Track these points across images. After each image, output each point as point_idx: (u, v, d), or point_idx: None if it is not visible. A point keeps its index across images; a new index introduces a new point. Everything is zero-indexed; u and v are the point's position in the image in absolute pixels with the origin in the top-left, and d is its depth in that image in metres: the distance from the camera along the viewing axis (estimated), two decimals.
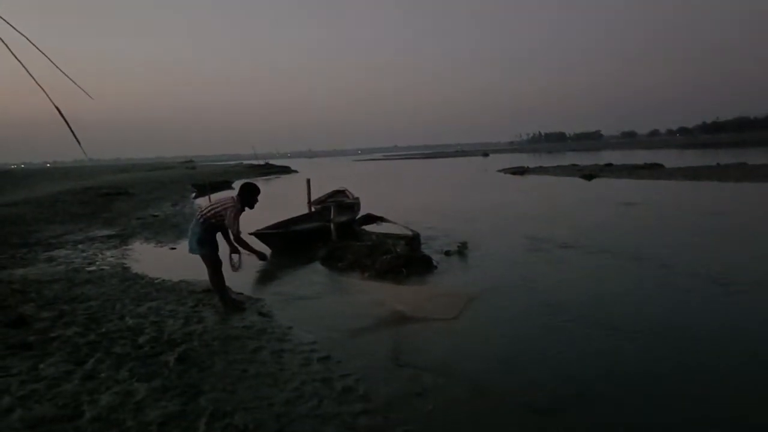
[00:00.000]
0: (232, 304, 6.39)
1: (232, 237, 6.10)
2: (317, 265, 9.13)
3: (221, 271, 6.30)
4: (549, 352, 4.93)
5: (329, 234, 10.95)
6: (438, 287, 7.31)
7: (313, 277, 8.36)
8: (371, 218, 12.84)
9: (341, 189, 18.90)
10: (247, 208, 6.23)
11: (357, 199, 15.69)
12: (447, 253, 9.30)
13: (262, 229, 10.54)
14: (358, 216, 13.19)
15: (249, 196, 6.20)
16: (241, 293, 7.13)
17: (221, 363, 4.66)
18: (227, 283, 6.50)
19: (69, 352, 4.79)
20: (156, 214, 17.94)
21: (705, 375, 4.37)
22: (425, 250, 9.37)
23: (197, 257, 6.23)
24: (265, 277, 8.32)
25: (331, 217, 11.12)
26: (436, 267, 8.35)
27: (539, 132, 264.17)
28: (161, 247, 11.59)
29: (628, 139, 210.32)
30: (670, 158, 40.44)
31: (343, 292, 7.49)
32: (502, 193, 22.87)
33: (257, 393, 4.04)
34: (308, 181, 15.23)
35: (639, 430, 3.59)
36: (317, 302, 6.80)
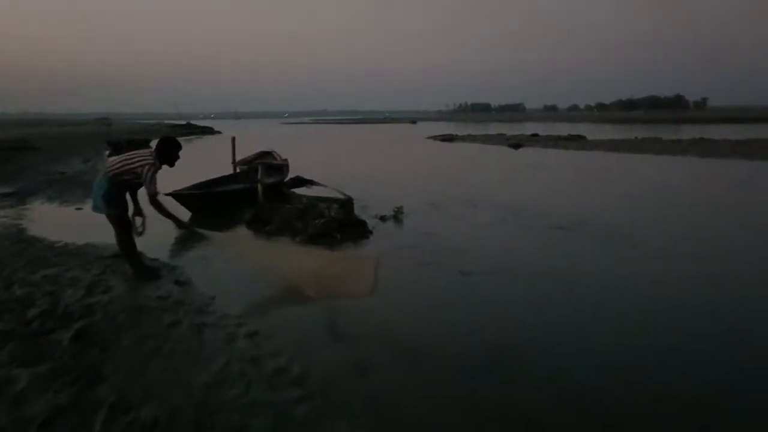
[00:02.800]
0: (144, 271, 5.63)
1: (148, 198, 5.27)
2: (242, 229, 8.41)
3: (131, 235, 5.52)
4: (471, 310, 4.91)
5: (256, 196, 10.19)
6: (361, 253, 6.96)
7: (237, 239, 7.65)
8: (301, 181, 12.16)
9: (268, 150, 17.88)
10: (166, 167, 5.45)
11: (285, 160, 14.84)
12: (382, 218, 8.83)
13: (180, 190, 9.62)
14: (287, 178, 12.46)
15: (169, 152, 5.40)
16: (156, 259, 6.36)
17: (129, 340, 3.98)
18: (140, 248, 5.72)
19: None
20: (63, 171, 16.34)
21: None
22: (360, 215, 8.85)
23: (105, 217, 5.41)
24: (183, 242, 7.43)
25: (259, 177, 10.33)
26: (371, 232, 7.87)
27: (466, 102, 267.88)
28: (66, 207, 10.44)
29: (550, 113, 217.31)
30: (590, 131, 41.78)
31: (271, 258, 6.78)
32: (433, 158, 22.66)
33: (172, 377, 3.41)
34: (233, 139, 14.24)
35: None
36: (242, 270, 5.98)
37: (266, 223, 8.23)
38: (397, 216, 8.92)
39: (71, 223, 8.90)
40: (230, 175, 12.61)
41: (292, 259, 6.01)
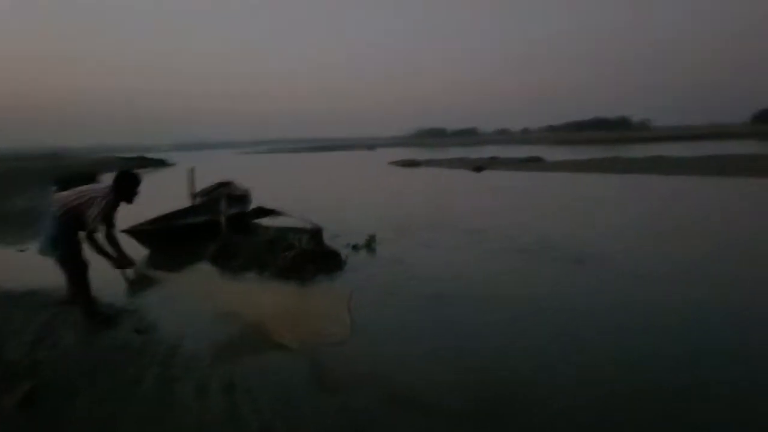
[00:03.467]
0: (98, 318, 5.05)
1: (86, 234, 4.75)
2: (206, 265, 7.85)
3: (85, 278, 4.94)
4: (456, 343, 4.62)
5: (218, 229, 9.63)
6: (334, 288, 6.44)
7: (202, 279, 7.09)
8: (264, 211, 11.60)
9: (227, 181, 17.31)
10: (124, 203, 4.97)
11: (247, 190, 14.31)
12: (354, 248, 8.41)
13: (136, 225, 8.99)
14: (249, 209, 11.94)
15: (127, 187, 4.94)
16: (111, 304, 5.75)
17: (85, 403, 3.44)
18: (94, 293, 5.14)
19: None
20: (3, 209, 15.35)
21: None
22: (331, 244, 8.38)
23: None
24: (141, 283, 6.77)
25: (221, 209, 9.79)
26: (345, 263, 7.43)
27: (421, 127, 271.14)
28: (7, 249, 9.65)
29: (503, 136, 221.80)
30: (545, 152, 42.46)
31: (239, 298, 6.21)
32: (398, 184, 22.42)
33: None
34: (191, 170, 13.66)
35: None
36: (208, 312, 5.36)
37: (232, 258, 7.71)
38: (370, 245, 8.52)
39: (13, 266, 8.19)
40: (189, 208, 11.99)
41: (262, 299, 5.46)
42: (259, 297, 5.55)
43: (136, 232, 8.74)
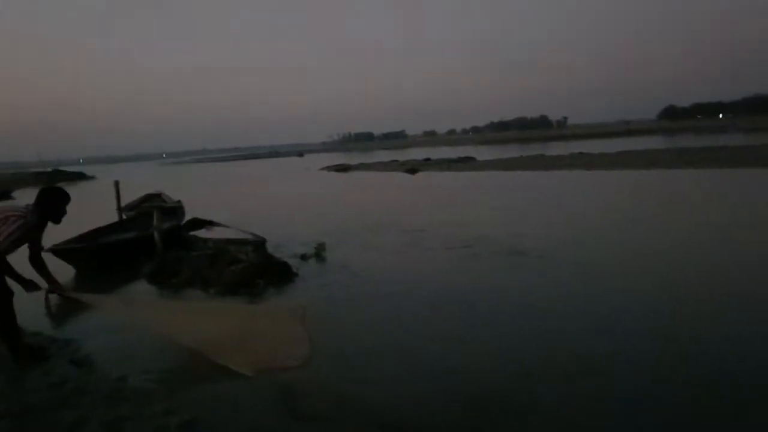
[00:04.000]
0: (27, 351, 4.45)
1: None
2: (143, 284, 7.26)
3: (9, 307, 4.33)
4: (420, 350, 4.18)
5: (152, 244, 9.01)
6: (286, 303, 6.01)
7: (138, 299, 6.53)
8: (199, 223, 11.00)
9: (156, 192, 16.43)
10: (50, 223, 4.42)
11: (179, 202, 13.58)
12: (303, 257, 8.04)
13: (60, 244, 8.21)
14: (183, 221, 11.29)
15: (53, 205, 4.37)
16: (40, 333, 5.16)
17: None
18: (19, 322, 4.53)
19: None
20: None
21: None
22: (276, 255, 7.99)
23: None
24: (71, 308, 5.92)
25: (155, 223, 9.15)
26: (296, 274, 7.06)
27: (349, 132, 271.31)
28: None
29: (430, 137, 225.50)
30: (475, 152, 43.42)
31: (184, 320, 5.65)
32: (332, 189, 22.10)
33: None
34: (116, 183, 12.74)
35: None
36: (152, 339, 4.77)
37: (172, 275, 7.16)
38: (319, 253, 8.18)
39: None
40: (117, 223, 11.20)
41: (209, 320, 5.00)
42: (205, 318, 5.10)
43: (62, 251, 7.98)
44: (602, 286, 5.98)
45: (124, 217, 12.27)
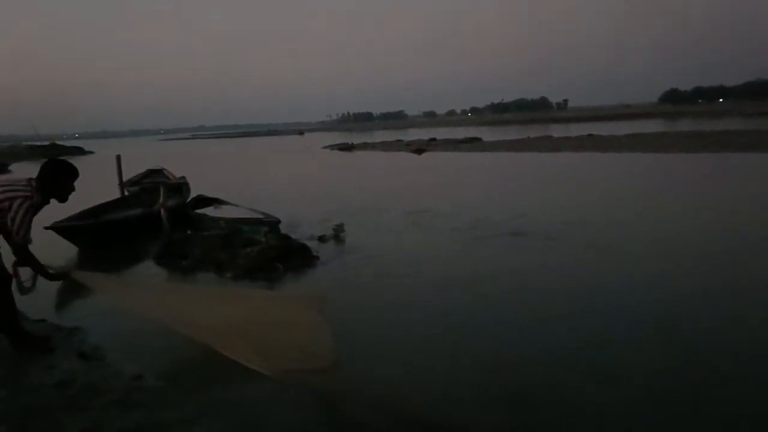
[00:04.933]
0: (29, 342, 3.98)
1: (12, 247, 3.67)
2: (151, 266, 6.79)
3: (8, 294, 3.85)
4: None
5: (157, 223, 8.51)
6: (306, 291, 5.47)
7: (147, 283, 6.06)
8: (205, 200, 10.45)
9: (158, 168, 15.82)
10: (54, 201, 3.90)
11: (183, 178, 13.01)
12: (321, 239, 7.55)
13: (62, 221, 7.69)
14: (188, 199, 10.77)
15: (57, 181, 3.83)
16: (43, 320, 4.69)
17: None
18: (19, 308, 4.05)
19: None
20: None
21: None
22: (292, 236, 7.50)
23: None
24: (76, 291, 5.38)
25: (161, 200, 8.64)
26: (317, 257, 6.58)
27: (348, 112, 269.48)
28: None
29: (430, 118, 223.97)
30: (480, 133, 42.72)
31: (196, 307, 5.01)
32: (341, 168, 21.58)
33: None
34: (118, 157, 12.23)
35: None
36: (165, 329, 4.08)
37: (181, 257, 6.67)
38: (338, 235, 7.69)
39: None
40: (119, 200, 10.70)
41: (225, 309, 4.45)
42: (219, 307, 4.51)
43: (63, 229, 7.47)
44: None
45: (126, 193, 11.78)
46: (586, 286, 5.30)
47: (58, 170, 3.86)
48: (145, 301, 4.49)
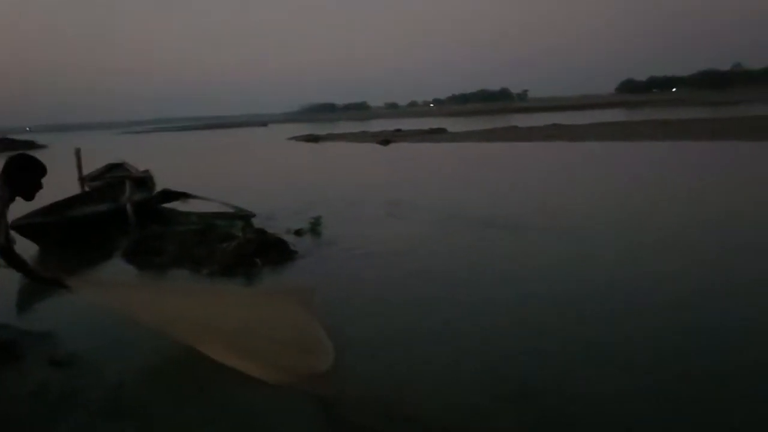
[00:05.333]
0: None
1: None
2: (121, 263, 6.48)
3: None
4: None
5: (122, 219, 8.18)
6: (292, 285, 5.16)
7: (123, 283, 5.78)
8: (171, 195, 10.06)
9: (119, 162, 15.27)
10: (19, 198, 3.63)
11: (147, 171, 12.56)
12: (298, 233, 7.34)
13: (23, 218, 7.25)
14: (154, 193, 10.37)
15: (27, 177, 3.58)
16: (7, 325, 4.37)
17: None
18: None
19: None
20: None
21: None
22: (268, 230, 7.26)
23: None
24: (42, 293, 5.02)
25: (126, 195, 8.27)
26: (295, 252, 6.38)
27: (310, 103, 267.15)
28: None
29: (392, 110, 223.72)
30: (444, 124, 42.77)
31: (177, 307, 4.00)
32: (308, 160, 21.27)
33: None
34: (78, 151, 11.73)
35: None
36: (142, 329, 3.75)
37: (155, 254, 6.38)
38: (315, 228, 7.49)
39: None
40: (80, 195, 10.23)
41: (209, 308, 4.17)
42: (202, 307, 4.25)
43: (25, 227, 7.05)
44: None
45: (86, 188, 11.31)
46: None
47: (23, 166, 3.59)
48: (122, 300, 4.15)
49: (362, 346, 3.73)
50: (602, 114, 43.09)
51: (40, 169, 3.63)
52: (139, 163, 15.11)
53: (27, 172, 3.57)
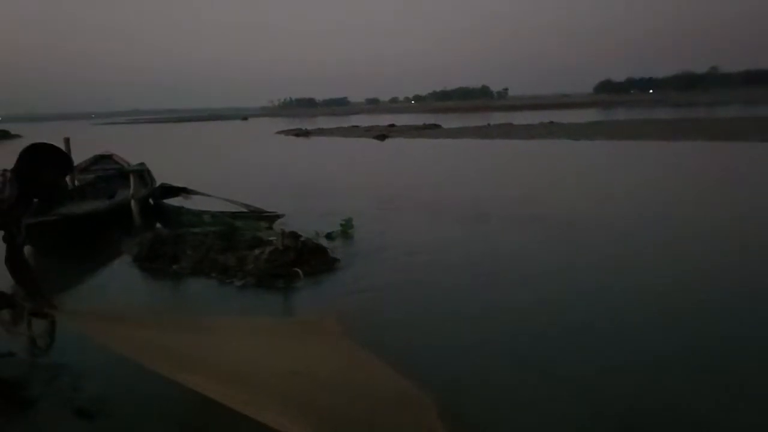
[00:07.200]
0: (11, 399, 2.87)
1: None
2: (132, 269, 5.61)
3: None
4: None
5: (126, 216, 7.30)
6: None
7: (136, 294, 4.94)
8: (170, 191, 9.14)
9: (107, 153, 14.13)
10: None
11: (142, 165, 11.54)
12: (329, 236, 6.54)
13: None
14: (153, 188, 9.44)
15: (42, 173, 2.71)
16: (10, 354, 3.47)
17: None
18: None
19: None
20: None
21: None
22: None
23: None
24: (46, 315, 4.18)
25: (132, 190, 7.36)
26: (337, 259, 5.58)
27: (290, 97, 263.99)
28: None
29: (373, 105, 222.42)
30: (426, 120, 41.77)
31: (202, 350, 2.87)
32: (306, 156, 20.36)
33: None
34: (67, 141, 10.71)
35: None
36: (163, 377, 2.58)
37: (173, 260, 5.50)
38: (347, 231, 6.70)
39: None
40: (72, 190, 9.23)
41: (239, 354, 2.98)
42: (230, 350, 3.09)
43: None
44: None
45: (76, 182, 10.30)
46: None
47: (27, 156, 2.73)
48: (135, 345, 3.10)
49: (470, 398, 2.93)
50: (588, 113, 42.95)
51: (65, 165, 2.79)
52: (128, 156, 14.05)
53: (48, 168, 2.72)
